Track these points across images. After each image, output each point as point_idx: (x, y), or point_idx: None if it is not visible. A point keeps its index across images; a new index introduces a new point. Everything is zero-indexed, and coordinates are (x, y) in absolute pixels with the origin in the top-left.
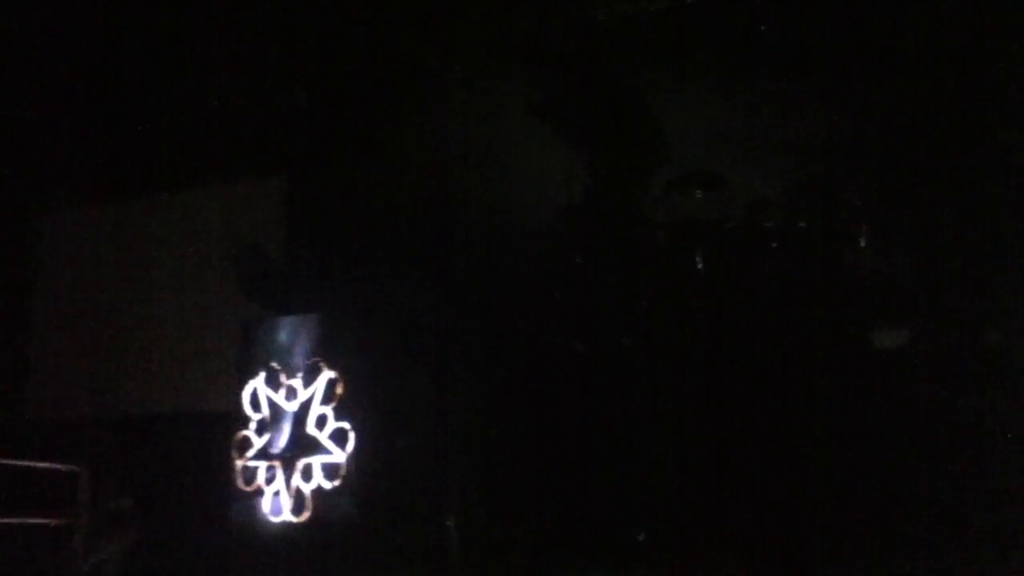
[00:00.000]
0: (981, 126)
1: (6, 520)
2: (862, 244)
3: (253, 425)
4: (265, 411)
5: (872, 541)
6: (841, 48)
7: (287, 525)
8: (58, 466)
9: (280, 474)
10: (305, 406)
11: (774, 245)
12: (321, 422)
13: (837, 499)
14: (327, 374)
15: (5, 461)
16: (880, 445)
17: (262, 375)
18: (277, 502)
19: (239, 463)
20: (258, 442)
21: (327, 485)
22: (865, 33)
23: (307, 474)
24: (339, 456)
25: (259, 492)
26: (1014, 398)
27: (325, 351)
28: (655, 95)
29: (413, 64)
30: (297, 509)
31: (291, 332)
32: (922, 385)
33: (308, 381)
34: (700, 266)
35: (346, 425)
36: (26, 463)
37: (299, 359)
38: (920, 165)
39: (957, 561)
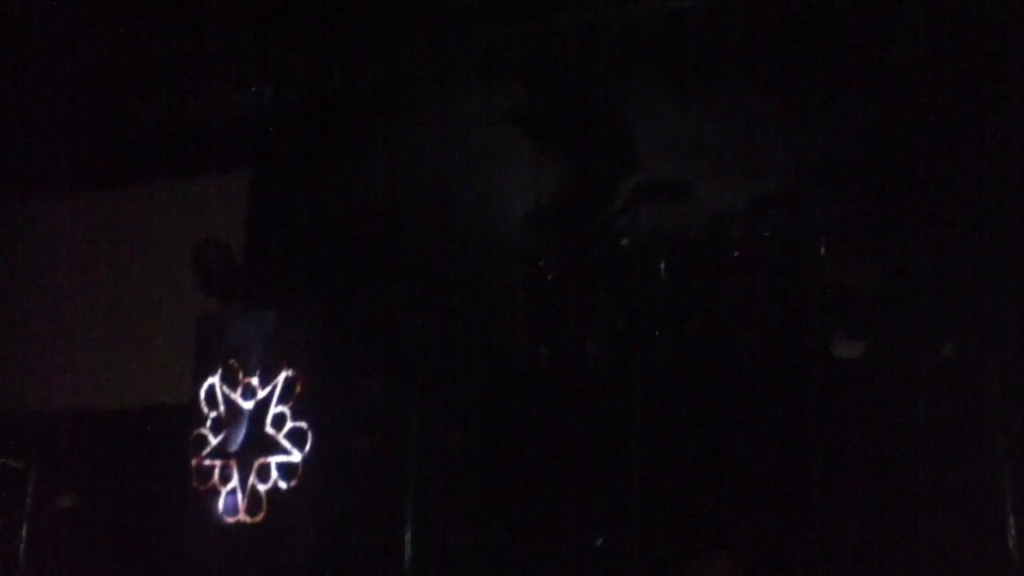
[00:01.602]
0: (942, 143)
1: None
2: (823, 255)
3: (209, 423)
4: (221, 409)
5: (828, 549)
6: (808, 63)
7: (242, 525)
8: (7, 461)
9: (236, 473)
10: (263, 405)
11: (736, 254)
12: (279, 421)
13: (792, 509)
14: (286, 372)
15: None
16: (837, 452)
17: (219, 372)
18: (232, 501)
19: (194, 461)
20: (214, 440)
21: (283, 485)
22: (832, 50)
23: (263, 474)
24: (296, 456)
25: (214, 491)
26: (968, 409)
27: (284, 349)
28: (624, 104)
29: (380, 67)
30: (252, 509)
31: (250, 329)
32: (880, 395)
33: (266, 379)
34: (664, 274)
35: (304, 425)
36: None
37: (257, 357)
38: (883, 179)
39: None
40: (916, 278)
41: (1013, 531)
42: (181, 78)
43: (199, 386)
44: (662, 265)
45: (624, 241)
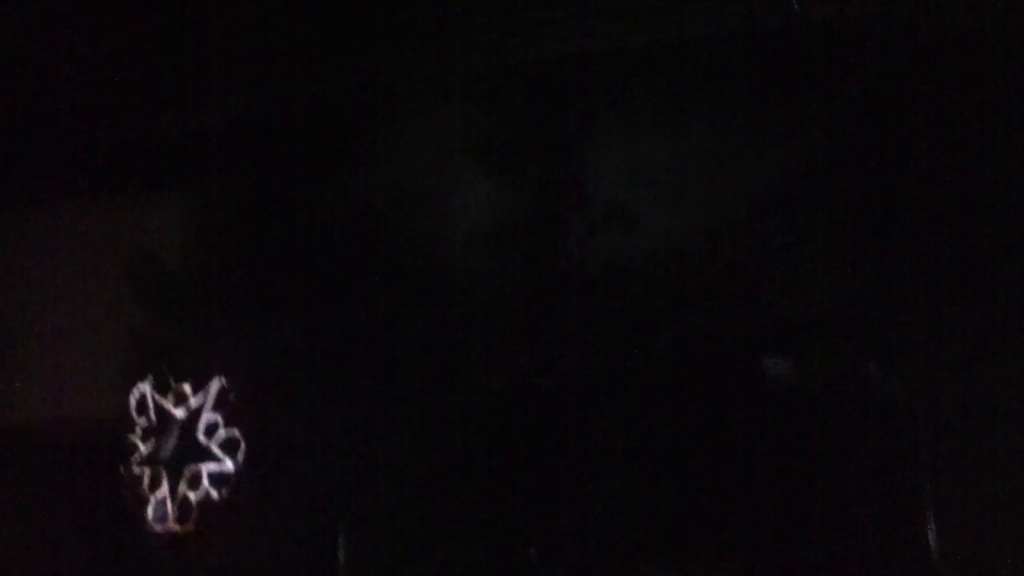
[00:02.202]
0: (891, 176)
1: None
2: (774, 283)
3: (139, 430)
4: (152, 416)
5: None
6: (768, 93)
7: (171, 534)
8: None
9: (165, 482)
10: (195, 413)
11: (696, 283)
12: (211, 430)
13: (718, 521)
14: (219, 380)
15: None
16: (768, 469)
17: (150, 378)
18: (162, 510)
19: (123, 469)
20: (144, 448)
21: (215, 494)
22: (792, 81)
23: (194, 482)
24: (228, 465)
25: (143, 499)
26: (892, 425)
27: (218, 357)
28: (581, 135)
29: (328, 84)
30: (182, 518)
31: (183, 336)
32: (813, 415)
33: (198, 387)
34: (616, 304)
35: (237, 433)
36: None
37: (191, 364)
38: (829, 209)
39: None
40: (851, 301)
41: (934, 541)
42: (123, 91)
43: (129, 393)
44: (614, 296)
45: (582, 270)
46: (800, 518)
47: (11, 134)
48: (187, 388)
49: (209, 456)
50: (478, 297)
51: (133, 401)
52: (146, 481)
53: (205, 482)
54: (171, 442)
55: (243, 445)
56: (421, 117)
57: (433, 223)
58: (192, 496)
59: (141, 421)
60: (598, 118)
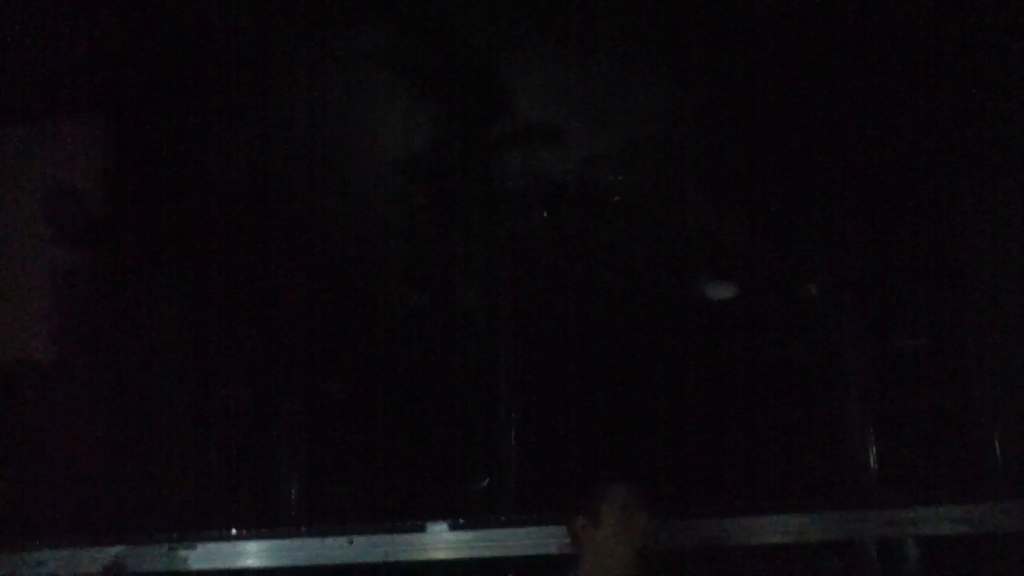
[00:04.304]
0: (812, 91)
1: None
2: (690, 201)
3: None
4: None
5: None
6: (686, 10)
7: None
8: None
9: None
10: None
11: (615, 199)
12: None
13: (674, 440)
14: None
15: None
16: (705, 391)
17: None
18: None
19: None
20: None
21: None
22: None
23: None
24: None
25: None
26: (822, 348)
27: None
28: (498, 48)
29: (248, 8)
30: None
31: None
32: (744, 335)
33: None
34: (543, 216)
35: None
36: None
37: None
38: (754, 128)
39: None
40: (781, 221)
41: (869, 460)
42: (36, 14)
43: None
44: (537, 210)
45: (498, 186)
46: (735, 433)
47: None
48: None
49: None
50: (406, 219)
51: None
52: None
53: None
54: None
55: None
56: (331, 34)
57: (365, 146)
58: None
59: None
60: (516, 29)
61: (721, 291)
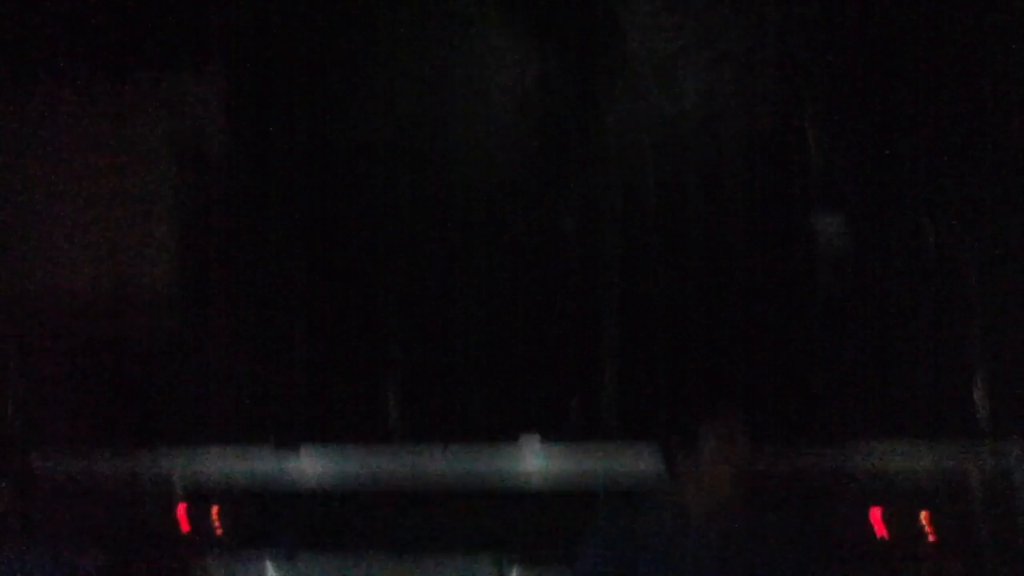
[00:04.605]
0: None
1: None
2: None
3: None
4: None
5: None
6: None
7: None
8: None
9: None
10: None
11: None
12: None
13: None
14: None
15: None
16: (812, 321)
17: None
18: None
19: None
20: None
21: None
22: None
23: None
24: None
25: None
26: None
27: None
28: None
29: None
30: None
31: None
32: (859, 272)
33: None
34: (653, 158)
35: None
36: None
37: None
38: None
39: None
40: (898, 155)
41: (982, 400)
42: None
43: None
44: (651, 152)
45: (612, 129)
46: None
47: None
48: None
49: None
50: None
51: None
52: None
53: None
54: None
55: None
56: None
57: (479, 84)
58: None
59: None
60: None
61: (837, 224)
